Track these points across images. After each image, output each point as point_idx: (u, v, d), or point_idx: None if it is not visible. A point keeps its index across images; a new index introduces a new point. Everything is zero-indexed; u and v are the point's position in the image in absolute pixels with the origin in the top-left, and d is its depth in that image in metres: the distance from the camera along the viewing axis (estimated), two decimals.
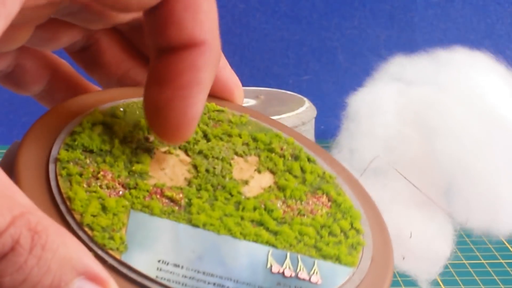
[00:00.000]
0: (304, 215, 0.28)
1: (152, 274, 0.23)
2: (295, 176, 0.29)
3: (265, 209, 0.27)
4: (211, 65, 0.27)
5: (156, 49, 0.27)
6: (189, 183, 0.27)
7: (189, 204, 0.26)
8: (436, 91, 0.48)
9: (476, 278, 0.53)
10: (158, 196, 0.26)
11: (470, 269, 0.54)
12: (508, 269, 0.54)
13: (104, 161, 0.26)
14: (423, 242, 0.45)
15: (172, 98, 0.26)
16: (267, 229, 0.26)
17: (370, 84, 0.52)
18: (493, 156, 0.46)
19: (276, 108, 0.64)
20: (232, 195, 0.27)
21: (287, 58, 0.83)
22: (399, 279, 0.52)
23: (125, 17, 0.30)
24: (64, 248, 0.21)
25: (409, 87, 0.49)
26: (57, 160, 0.26)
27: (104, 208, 0.24)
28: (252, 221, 0.26)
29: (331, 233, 0.27)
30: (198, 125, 0.29)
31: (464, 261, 0.55)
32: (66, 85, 0.33)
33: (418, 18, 0.81)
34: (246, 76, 0.83)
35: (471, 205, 0.46)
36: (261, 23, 0.81)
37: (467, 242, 0.56)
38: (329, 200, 0.29)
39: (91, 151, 0.26)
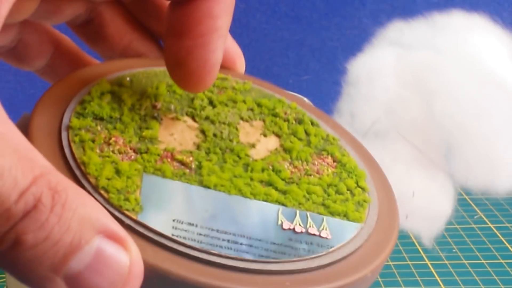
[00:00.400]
0: (311, 175, 0.28)
1: (168, 232, 0.24)
2: (300, 139, 0.30)
3: (273, 170, 0.28)
4: (227, 12, 0.27)
5: (172, 2, 0.28)
6: (198, 147, 0.28)
7: (199, 166, 0.27)
8: (435, 55, 0.49)
9: (476, 278, 0.53)
10: (169, 159, 0.27)
11: (470, 269, 0.54)
12: (508, 269, 0.54)
13: (115, 128, 0.27)
14: (425, 201, 0.46)
15: (192, 47, 0.27)
16: (276, 188, 0.27)
17: (369, 49, 0.52)
18: (491, 118, 0.47)
19: None
20: (240, 158, 0.28)
21: (287, 58, 0.83)
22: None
23: None
24: (83, 207, 0.21)
25: (408, 51, 0.50)
26: (69, 127, 0.26)
27: (118, 172, 0.25)
28: (261, 181, 0.27)
29: (338, 191, 0.28)
30: (204, 92, 0.30)
31: (464, 261, 0.55)
32: (69, 60, 0.33)
33: (418, 18, 0.81)
34: None
35: (471, 165, 0.46)
36: (261, 23, 0.81)
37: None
38: (334, 161, 0.30)
39: (102, 119, 0.27)
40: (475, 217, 0.61)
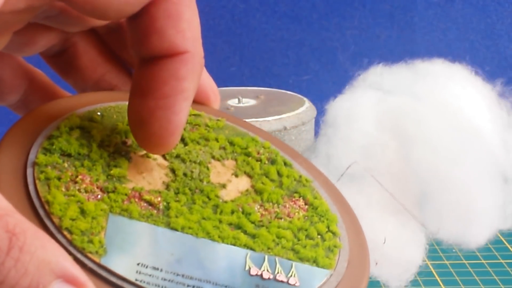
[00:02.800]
0: (281, 218, 0.28)
1: (131, 277, 0.23)
2: (272, 180, 0.29)
3: (242, 212, 0.27)
4: (194, 74, 0.27)
5: (139, 58, 0.27)
6: (167, 187, 0.27)
7: (168, 207, 0.26)
8: (413, 101, 0.49)
9: (476, 278, 0.53)
10: (136, 199, 0.26)
11: (470, 269, 0.54)
12: (508, 269, 0.54)
13: (82, 165, 0.26)
14: (395, 249, 0.46)
15: (155, 108, 0.26)
16: (245, 232, 0.26)
17: (349, 91, 0.52)
18: (467, 167, 0.47)
19: (276, 108, 0.63)
20: (210, 199, 0.27)
21: (287, 58, 0.83)
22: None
23: (105, 21, 0.30)
24: (43, 250, 0.21)
25: (387, 96, 0.50)
26: (35, 164, 0.26)
27: (83, 212, 0.25)
28: (230, 224, 0.27)
29: (308, 236, 0.27)
30: None
31: (464, 261, 0.55)
32: (43, 94, 0.32)
33: (418, 18, 0.81)
34: (246, 76, 0.83)
35: (443, 215, 0.46)
36: (261, 23, 0.81)
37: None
38: (306, 204, 0.29)
39: (69, 155, 0.26)
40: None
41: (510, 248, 0.57)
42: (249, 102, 0.67)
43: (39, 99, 0.32)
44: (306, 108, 0.63)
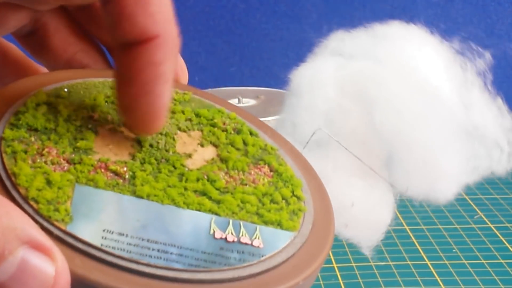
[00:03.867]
0: (246, 184, 0.28)
1: (97, 242, 0.24)
2: (238, 149, 0.30)
3: (208, 179, 0.28)
4: (170, 56, 0.27)
5: (116, 44, 0.27)
6: (133, 157, 0.28)
7: (133, 176, 0.27)
8: (374, 65, 0.49)
9: (476, 278, 0.53)
10: (102, 170, 0.27)
11: (470, 269, 0.54)
12: (508, 269, 0.54)
13: (49, 139, 0.27)
14: (365, 210, 0.46)
15: (138, 94, 0.27)
16: (210, 198, 0.27)
17: (310, 59, 0.53)
18: (430, 126, 0.47)
19: (276, 108, 0.64)
20: (175, 168, 0.28)
21: (287, 58, 0.83)
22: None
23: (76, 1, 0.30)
24: (7, 218, 0.21)
25: (348, 61, 0.50)
26: (1, 139, 0.26)
27: (49, 182, 0.25)
28: (195, 191, 0.27)
29: (272, 201, 0.28)
30: None
31: (464, 261, 0.55)
32: (16, 69, 0.33)
33: (418, 18, 0.81)
34: (246, 76, 0.83)
35: (411, 175, 0.46)
36: (261, 23, 0.81)
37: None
38: (271, 170, 0.29)
39: (36, 130, 0.27)
40: (475, 217, 0.61)
41: (510, 248, 0.57)
42: (249, 102, 0.67)
43: (12, 73, 0.32)
44: None
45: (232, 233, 0.26)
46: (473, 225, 0.60)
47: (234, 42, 0.82)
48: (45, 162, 0.26)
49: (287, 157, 0.31)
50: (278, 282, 0.25)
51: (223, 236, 0.26)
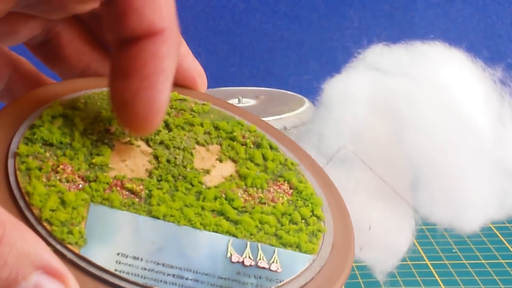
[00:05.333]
0: (265, 203, 0.28)
1: (111, 267, 0.23)
2: (257, 164, 0.29)
3: (225, 198, 0.27)
4: (173, 52, 0.27)
5: (117, 40, 0.27)
6: (150, 174, 0.27)
7: (150, 195, 0.26)
8: (409, 84, 0.48)
9: (476, 278, 0.53)
10: (118, 188, 0.26)
11: (470, 269, 0.54)
12: (508, 269, 0.54)
13: (64, 154, 0.26)
14: (382, 234, 0.45)
15: (138, 89, 0.26)
16: (228, 218, 0.26)
17: (346, 71, 0.52)
18: (459, 154, 0.46)
19: (276, 108, 0.64)
20: (193, 185, 0.27)
21: (287, 58, 0.83)
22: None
23: (85, 6, 0.29)
24: (22, 242, 0.21)
25: (384, 77, 0.49)
26: (16, 154, 0.25)
27: (63, 202, 0.24)
28: (213, 211, 0.26)
29: (291, 221, 0.27)
30: None
31: (464, 261, 0.55)
32: (27, 82, 0.32)
33: (418, 18, 0.81)
34: (246, 76, 0.83)
35: (436, 200, 0.46)
36: (261, 23, 0.81)
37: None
38: (290, 188, 0.29)
39: (51, 145, 0.26)
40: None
41: (510, 248, 0.57)
42: (249, 102, 0.67)
43: (23, 87, 0.32)
44: (306, 108, 0.63)
45: (249, 257, 0.25)
46: None
47: (234, 42, 0.82)
48: (60, 180, 0.25)
49: (307, 172, 0.30)
50: None
51: (240, 260, 0.25)
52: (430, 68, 0.50)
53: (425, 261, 0.54)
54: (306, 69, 0.83)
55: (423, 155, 0.45)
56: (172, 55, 0.26)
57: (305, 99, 0.66)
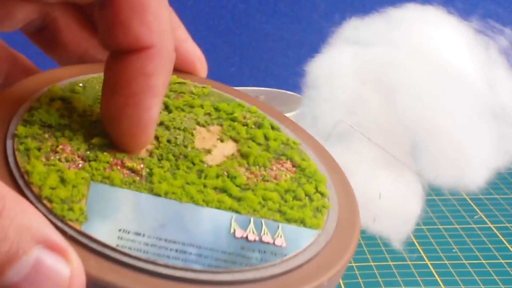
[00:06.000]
0: (268, 180, 0.27)
1: (112, 242, 0.23)
2: (259, 144, 0.29)
3: (228, 176, 0.27)
4: (163, 69, 0.26)
5: (108, 51, 0.27)
6: (151, 154, 0.27)
7: (150, 174, 0.26)
8: (392, 50, 0.48)
9: (476, 278, 0.53)
10: (118, 167, 0.26)
11: (470, 269, 0.54)
12: (508, 269, 0.54)
13: (63, 135, 0.26)
14: (392, 202, 0.45)
15: (124, 105, 0.26)
16: (230, 195, 0.26)
17: (326, 50, 0.52)
18: (454, 110, 0.46)
19: (276, 108, 0.64)
20: (194, 164, 0.27)
21: (287, 58, 0.83)
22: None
23: None
24: (23, 216, 0.20)
25: (365, 49, 0.49)
26: (14, 135, 0.25)
27: (63, 181, 0.24)
28: (215, 188, 0.26)
29: (295, 197, 0.27)
30: None
31: (464, 261, 0.55)
32: (25, 76, 0.31)
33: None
34: (246, 76, 0.83)
35: (438, 162, 0.45)
36: (261, 23, 0.81)
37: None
38: (293, 166, 0.29)
39: (50, 126, 0.26)
40: (475, 217, 0.61)
41: (510, 248, 0.57)
42: None
43: None
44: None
45: (253, 232, 0.25)
46: (473, 225, 0.60)
47: (234, 42, 0.82)
48: (59, 160, 0.25)
49: (309, 151, 0.30)
50: (301, 283, 0.24)
51: (244, 235, 0.25)
52: (408, 30, 0.50)
53: (425, 261, 0.54)
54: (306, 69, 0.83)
55: (418, 118, 0.45)
56: (161, 72, 0.26)
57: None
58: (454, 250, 0.56)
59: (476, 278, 0.53)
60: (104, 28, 0.26)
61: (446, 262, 0.54)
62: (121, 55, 0.26)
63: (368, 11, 0.53)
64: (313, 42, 0.83)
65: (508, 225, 0.60)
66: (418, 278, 0.52)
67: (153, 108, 0.26)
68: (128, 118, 0.26)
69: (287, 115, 0.64)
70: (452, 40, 0.50)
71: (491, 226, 0.60)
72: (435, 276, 0.53)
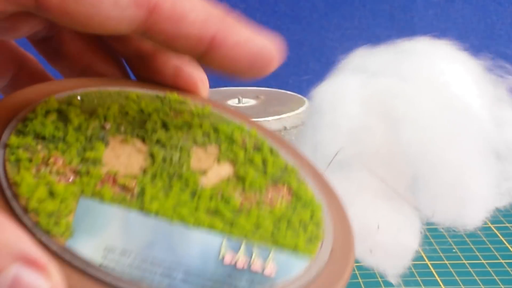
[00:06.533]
0: (262, 206, 0.27)
1: (97, 261, 0.23)
2: (256, 168, 0.28)
3: (221, 198, 0.26)
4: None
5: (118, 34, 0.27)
6: (144, 172, 0.26)
7: (142, 192, 0.25)
8: (400, 82, 0.48)
9: (476, 278, 0.53)
10: (110, 183, 0.25)
11: (470, 269, 0.54)
12: (508, 269, 0.54)
13: (56, 148, 0.26)
14: (390, 235, 0.44)
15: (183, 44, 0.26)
16: (223, 218, 0.26)
17: (332, 76, 0.51)
18: (459, 146, 0.45)
19: (276, 108, 0.64)
20: (188, 185, 0.27)
21: (287, 58, 0.83)
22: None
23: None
24: (1, 233, 0.20)
25: (372, 78, 0.49)
26: (6, 145, 0.25)
27: (51, 194, 0.24)
28: (208, 210, 0.26)
29: (289, 225, 0.26)
30: (158, 114, 0.29)
31: (464, 261, 0.55)
32: (31, 80, 0.32)
33: (418, 18, 0.81)
34: None
35: (437, 198, 0.45)
36: (261, 23, 0.81)
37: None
38: (289, 192, 0.28)
39: (43, 138, 0.26)
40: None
41: (510, 248, 0.57)
42: (249, 102, 0.67)
43: (28, 85, 0.31)
44: (306, 108, 0.63)
45: (244, 256, 0.25)
46: None
47: None
48: (50, 172, 0.25)
49: (308, 178, 0.29)
50: None
51: (233, 262, 0.24)
52: (418, 63, 0.49)
53: (425, 261, 0.54)
54: (306, 69, 0.83)
55: (421, 151, 0.45)
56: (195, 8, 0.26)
57: (305, 99, 0.66)
58: (454, 250, 0.56)
59: (476, 278, 0.53)
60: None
61: (446, 262, 0.54)
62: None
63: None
64: (313, 42, 0.84)
65: (508, 225, 0.60)
66: (418, 278, 0.52)
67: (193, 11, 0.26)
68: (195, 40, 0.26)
69: (287, 115, 0.64)
70: (461, 75, 0.49)
71: (491, 226, 0.60)
72: (435, 276, 0.53)
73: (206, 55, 0.27)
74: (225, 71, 0.27)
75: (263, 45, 0.29)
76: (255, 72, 0.28)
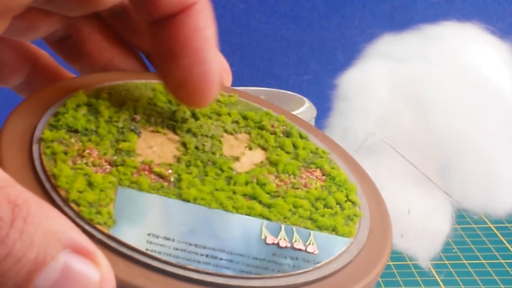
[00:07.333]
0: (298, 188, 0.27)
1: (142, 246, 0.23)
2: (288, 152, 0.29)
3: (257, 183, 0.27)
4: (211, 19, 0.27)
5: (150, 24, 0.27)
6: (178, 160, 0.27)
7: (179, 179, 0.26)
8: (427, 67, 0.47)
9: (476, 278, 0.53)
10: (146, 172, 0.26)
11: (470, 269, 0.54)
12: (508, 269, 0.54)
13: (90, 140, 0.26)
14: (421, 219, 0.44)
15: (191, 64, 0.26)
16: (260, 202, 0.26)
17: (359, 63, 0.51)
18: (488, 129, 0.45)
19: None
20: (223, 171, 0.27)
21: (287, 58, 0.83)
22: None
23: (106, 3, 0.29)
24: (48, 221, 0.20)
25: (400, 64, 0.48)
26: (41, 140, 0.25)
27: (90, 184, 0.24)
28: (245, 195, 0.26)
29: (326, 205, 0.27)
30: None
31: (464, 261, 0.55)
32: (46, 76, 0.32)
33: (418, 18, 0.81)
34: (246, 76, 0.83)
35: (468, 183, 0.45)
36: (261, 23, 0.81)
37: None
38: (323, 174, 0.28)
39: (76, 131, 0.26)
40: (475, 217, 0.61)
41: (510, 248, 0.57)
42: None
43: (43, 81, 0.32)
44: (306, 108, 0.63)
45: (284, 239, 0.25)
46: (473, 225, 0.60)
47: (234, 42, 0.82)
48: (86, 164, 0.25)
49: (339, 161, 0.30)
50: None
51: (275, 242, 0.25)
52: (445, 47, 0.49)
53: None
54: (306, 69, 0.83)
55: (451, 136, 0.44)
56: (210, 22, 0.27)
57: (305, 99, 0.66)
58: (454, 250, 0.56)
59: (476, 278, 0.53)
60: (145, 0, 0.27)
61: (446, 262, 0.54)
62: (166, 21, 0.26)
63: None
64: (313, 42, 0.84)
65: (508, 225, 0.60)
66: (418, 278, 0.52)
67: (215, 59, 0.27)
68: (198, 75, 0.26)
69: None
70: (489, 58, 0.49)
71: (491, 226, 0.60)
72: (435, 276, 0.53)
73: (174, 19, 0.27)
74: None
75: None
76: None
